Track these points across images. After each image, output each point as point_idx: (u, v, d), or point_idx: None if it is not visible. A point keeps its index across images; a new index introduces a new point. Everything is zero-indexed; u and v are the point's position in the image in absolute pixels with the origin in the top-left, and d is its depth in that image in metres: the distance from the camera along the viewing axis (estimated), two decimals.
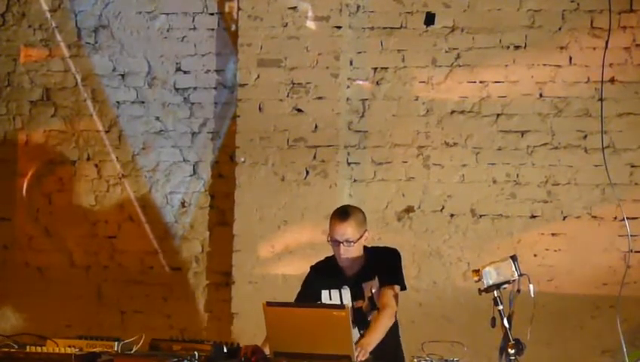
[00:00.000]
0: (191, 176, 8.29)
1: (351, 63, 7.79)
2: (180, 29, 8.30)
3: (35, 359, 5.36)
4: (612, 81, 7.35)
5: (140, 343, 5.61)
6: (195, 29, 8.27)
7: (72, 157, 8.51)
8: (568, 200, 7.44)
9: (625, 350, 6.27)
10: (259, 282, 7.75)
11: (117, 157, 8.42)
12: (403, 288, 5.80)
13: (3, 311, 8.57)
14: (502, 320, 5.12)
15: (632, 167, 7.33)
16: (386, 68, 7.76)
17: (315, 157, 7.74)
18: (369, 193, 7.72)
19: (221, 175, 8.20)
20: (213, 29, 8.24)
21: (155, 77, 8.37)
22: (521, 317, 5.18)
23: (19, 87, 8.64)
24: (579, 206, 7.42)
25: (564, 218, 7.45)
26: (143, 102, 8.39)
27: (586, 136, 7.42)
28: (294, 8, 7.79)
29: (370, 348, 5.48)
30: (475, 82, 7.61)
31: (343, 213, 5.77)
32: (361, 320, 5.72)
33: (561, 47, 7.46)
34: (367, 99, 7.79)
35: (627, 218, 7.02)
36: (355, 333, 5.50)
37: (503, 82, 7.56)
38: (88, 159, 8.48)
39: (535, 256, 7.43)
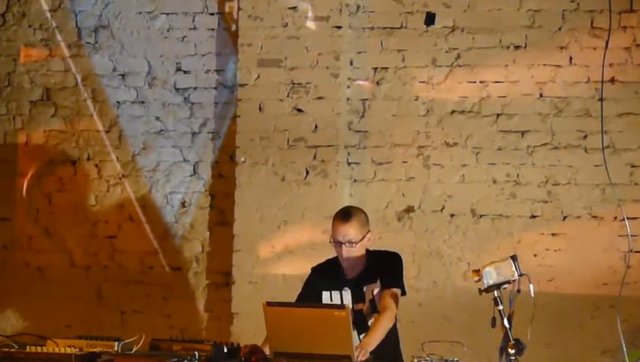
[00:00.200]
0: (191, 176, 8.29)
1: (351, 63, 7.79)
2: (180, 29, 8.30)
3: (35, 359, 5.35)
4: (612, 81, 7.35)
5: (140, 343, 5.60)
6: (195, 29, 8.28)
7: (72, 157, 8.51)
8: (568, 200, 7.44)
9: (625, 350, 6.26)
10: (259, 282, 7.75)
11: (117, 158, 8.42)
12: (403, 293, 5.79)
13: (3, 311, 8.57)
14: (502, 320, 5.12)
15: (632, 167, 7.33)
16: (386, 68, 7.76)
17: (315, 157, 7.74)
18: (369, 193, 7.72)
19: (221, 175, 8.21)
20: (213, 29, 8.25)
21: (155, 77, 8.37)
22: (521, 317, 5.18)
23: (19, 87, 8.64)
24: (579, 206, 7.42)
25: (564, 218, 7.45)
26: (143, 102, 8.40)
27: (586, 136, 7.42)
28: (294, 8, 7.79)
29: (371, 348, 5.47)
30: (475, 82, 7.61)
31: (345, 214, 5.77)
32: (362, 323, 5.71)
33: (561, 47, 7.46)
34: (367, 99, 7.79)
35: (627, 218, 7.02)
36: (355, 336, 5.48)
37: (503, 82, 7.56)
38: (88, 159, 8.48)
39: (535, 256, 7.43)
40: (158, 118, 8.36)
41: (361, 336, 5.65)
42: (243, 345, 5.58)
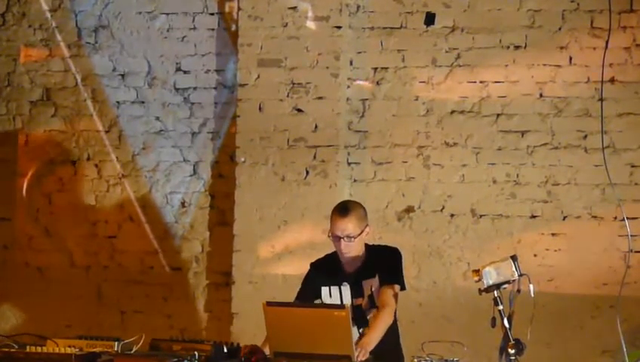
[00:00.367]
0: (191, 176, 8.30)
1: (351, 63, 7.79)
2: (180, 29, 8.30)
3: (35, 359, 5.35)
4: (612, 81, 7.35)
5: (140, 343, 5.60)
6: (195, 29, 8.28)
7: (72, 157, 8.51)
8: (568, 200, 7.44)
9: (625, 350, 6.26)
10: (259, 282, 7.75)
11: (117, 157, 8.42)
12: (403, 288, 5.79)
13: (3, 311, 8.57)
14: (502, 320, 5.12)
15: (632, 167, 7.33)
16: (386, 68, 7.76)
17: (315, 157, 7.74)
18: (369, 193, 7.71)
19: (221, 175, 8.21)
20: (213, 29, 8.25)
21: (155, 77, 8.37)
22: (521, 317, 5.18)
23: (19, 87, 8.64)
24: (579, 206, 7.42)
25: (564, 218, 7.45)
26: (143, 102, 8.40)
27: (586, 136, 7.42)
28: (294, 8, 7.79)
29: (370, 347, 5.48)
30: (475, 82, 7.62)
31: (343, 209, 5.77)
32: (361, 318, 5.72)
33: (561, 47, 7.46)
34: (367, 99, 7.79)
35: (627, 218, 7.02)
36: (355, 331, 5.49)
37: (503, 82, 7.56)
38: (88, 159, 8.48)
39: (535, 256, 7.43)
40: (158, 118, 8.36)
41: (361, 331, 5.65)
42: (243, 345, 5.58)
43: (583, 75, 7.42)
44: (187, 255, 8.29)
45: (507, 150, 7.55)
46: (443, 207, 7.65)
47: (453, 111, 7.66)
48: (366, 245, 5.82)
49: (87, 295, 8.42)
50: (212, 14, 8.24)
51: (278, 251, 7.75)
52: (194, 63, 8.28)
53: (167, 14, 8.34)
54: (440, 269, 7.61)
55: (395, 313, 5.74)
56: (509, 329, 5.10)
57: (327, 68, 7.73)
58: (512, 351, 5.05)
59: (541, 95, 7.50)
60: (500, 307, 5.14)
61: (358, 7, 7.79)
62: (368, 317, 5.74)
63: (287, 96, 7.79)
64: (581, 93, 7.43)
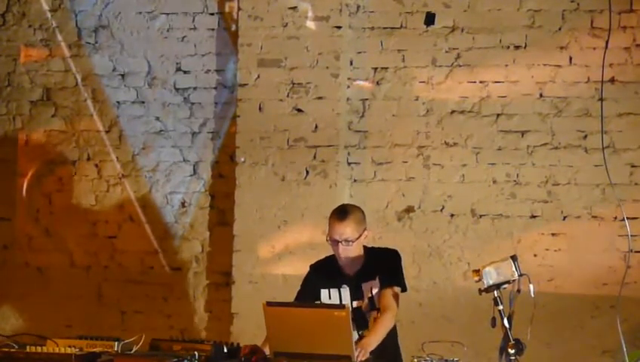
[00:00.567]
0: (191, 176, 8.30)
1: (351, 63, 7.79)
2: (180, 29, 8.30)
3: (35, 359, 5.35)
4: (612, 81, 7.35)
5: (140, 343, 5.60)
6: (195, 29, 8.28)
7: (72, 157, 8.51)
8: (568, 200, 7.44)
9: (625, 350, 6.26)
10: (259, 282, 7.75)
11: (117, 157, 8.42)
12: (403, 289, 5.79)
13: (3, 311, 8.57)
14: (502, 320, 5.12)
15: (632, 167, 7.33)
16: (386, 68, 7.76)
17: (315, 157, 7.74)
18: (369, 193, 7.71)
19: (221, 175, 8.21)
20: (213, 29, 8.25)
21: (155, 77, 8.37)
22: (521, 317, 5.18)
23: (19, 87, 8.64)
24: (579, 206, 7.42)
25: (564, 218, 7.45)
26: (143, 102, 8.40)
27: (586, 136, 7.42)
28: (294, 8, 7.79)
29: (371, 348, 5.48)
30: (475, 82, 7.61)
31: (341, 213, 5.76)
32: (360, 321, 5.72)
33: (561, 47, 7.46)
34: (367, 99, 7.79)
35: (627, 218, 7.02)
36: (354, 335, 5.48)
37: (503, 82, 7.56)
38: (88, 159, 8.48)
39: (535, 256, 7.43)
40: (158, 118, 8.36)
41: (360, 333, 5.65)
42: (243, 345, 5.58)
43: (583, 75, 7.42)
44: (187, 255, 8.29)
45: (507, 150, 7.55)
46: (443, 207, 7.65)
47: (453, 111, 7.66)
48: (365, 247, 5.82)
49: (87, 295, 8.42)
50: (212, 14, 8.24)
51: (278, 251, 7.75)
52: (194, 63, 8.28)
53: (167, 14, 8.34)
54: (440, 269, 7.61)
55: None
56: (509, 329, 5.10)
57: (327, 68, 7.73)
58: (512, 351, 5.05)
59: (541, 95, 7.50)
60: (500, 307, 5.14)
61: (358, 7, 7.79)
62: (368, 320, 5.74)
63: (287, 96, 7.79)
64: (581, 93, 7.43)
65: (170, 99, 8.34)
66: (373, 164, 7.76)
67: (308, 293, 5.82)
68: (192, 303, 8.25)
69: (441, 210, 7.66)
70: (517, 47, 7.53)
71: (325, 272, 5.84)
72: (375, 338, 5.54)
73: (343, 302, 5.73)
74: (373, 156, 7.76)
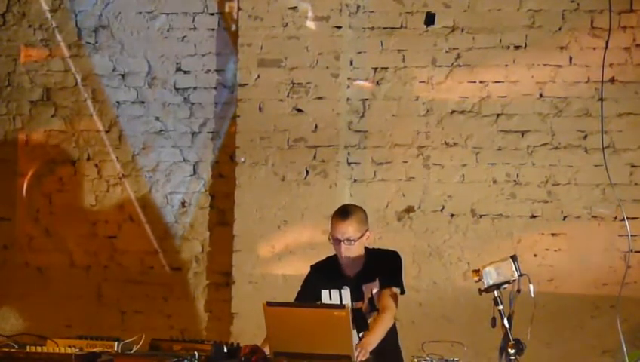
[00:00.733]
0: (191, 176, 8.30)
1: (351, 63, 7.79)
2: (180, 29, 8.30)
3: (35, 359, 5.35)
4: (612, 81, 7.35)
5: (140, 343, 5.60)
6: (195, 29, 8.28)
7: (72, 157, 8.51)
8: (568, 200, 7.44)
9: (625, 350, 6.26)
10: (259, 282, 7.75)
11: (117, 157, 8.42)
12: (402, 292, 5.78)
13: (3, 311, 8.57)
14: (502, 320, 5.12)
15: (632, 167, 7.33)
16: (386, 68, 7.76)
17: (315, 157, 7.74)
18: (369, 193, 7.71)
19: (221, 175, 8.21)
20: (213, 29, 8.25)
21: (155, 77, 8.37)
22: (521, 317, 5.18)
23: (19, 87, 8.64)
24: (579, 206, 7.42)
25: (564, 218, 7.45)
26: (143, 102, 8.40)
27: (586, 136, 7.42)
28: (294, 8, 7.79)
29: (371, 348, 5.47)
30: (475, 82, 7.61)
31: (344, 212, 5.77)
32: (361, 322, 5.72)
33: (561, 47, 7.46)
34: (367, 99, 7.79)
35: (627, 218, 7.02)
36: (354, 335, 5.48)
37: (503, 82, 7.56)
38: (88, 159, 8.48)
39: (535, 256, 7.43)
40: (158, 118, 8.36)
41: (360, 334, 5.65)
42: (243, 345, 5.58)
43: (583, 75, 7.42)
44: (187, 255, 8.29)
45: (507, 150, 7.55)
46: (443, 207, 7.65)
47: (453, 111, 7.66)
48: (366, 248, 5.81)
49: (87, 295, 8.42)
50: (212, 14, 8.24)
51: (278, 251, 7.74)
52: (194, 63, 8.28)
53: (167, 14, 8.34)
54: (440, 269, 7.61)
55: (394, 316, 5.73)
56: (509, 329, 5.10)
57: (327, 68, 7.73)
58: (512, 351, 5.05)
59: (541, 95, 7.50)
60: (500, 307, 5.14)
61: (358, 7, 7.78)
62: (368, 321, 5.74)
63: (287, 96, 7.79)
64: (581, 93, 7.43)
65: (170, 99, 8.34)
66: (373, 164, 7.76)
67: (308, 294, 5.82)
68: (192, 303, 8.25)
69: (441, 210, 7.65)
70: (517, 47, 7.53)
71: (326, 273, 5.84)
72: (374, 337, 5.54)
73: (344, 303, 5.73)
74: (373, 156, 7.76)
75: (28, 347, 5.45)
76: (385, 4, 7.75)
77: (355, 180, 7.77)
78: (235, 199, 7.88)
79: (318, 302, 5.74)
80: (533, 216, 7.50)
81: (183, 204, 8.30)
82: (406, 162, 7.72)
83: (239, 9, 7.96)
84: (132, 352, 5.53)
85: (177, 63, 8.32)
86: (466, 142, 7.62)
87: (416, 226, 7.67)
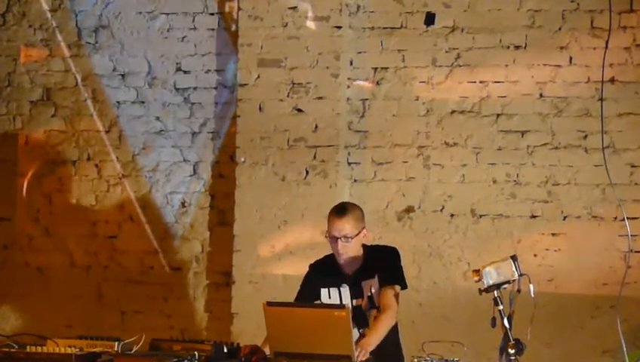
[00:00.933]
0: (191, 176, 8.30)
1: (351, 63, 7.79)
2: (180, 29, 8.30)
3: (35, 359, 5.35)
4: (612, 81, 7.35)
5: (140, 343, 5.60)
6: (195, 29, 8.28)
7: (72, 157, 8.51)
8: (568, 200, 7.44)
9: (625, 350, 6.26)
10: (259, 282, 7.75)
11: (117, 157, 8.42)
12: (404, 287, 5.79)
13: (3, 311, 8.57)
14: (502, 320, 5.12)
15: (632, 167, 7.33)
16: (386, 68, 7.76)
17: (315, 157, 7.74)
18: (369, 193, 7.72)
19: (221, 175, 8.21)
20: (213, 29, 8.25)
21: (155, 77, 8.37)
22: (521, 317, 5.18)
23: (19, 87, 8.64)
24: (579, 206, 7.42)
25: (565, 218, 7.45)
26: (143, 102, 8.40)
27: (586, 136, 7.42)
28: (294, 8, 7.79)
29: (371, 348, 5.47)
30: (475, 82, 7.61)
31: (340, 209, 5.77)
32: (361, 319, 5.72)
33: (562, 47, 7.46)
34: (367, 99, 7.79)
35: (627, 218, 7.02)
36: (355, 332, 5.49)
37: (503, 82, 7.56)
38: (88, 159, 8.48)
39: (535, 256, 7.43)
40: (158, 118, 8.36)
41: (361, 331, 5.65)
42: (243, 345, 5.58)
43: (583, 75, 7.42)
44: (187, 255, 8.29)
45: (507, 150, 7.55)
46: (443, 207, 7.65)
47: (453, 111, 7.66)
48: (364, 246, 5.82)
49: (87, 295, 8.42)
50: (212, 14, 8.24)
51: (278, 251, 7.75)
52: (194, 63, 8.28)
53: (167, 14, 8.34)
54: (440, 269, 7.61)
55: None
56: (509, 329, 5.10)
57: (328, 68, 7.73)
58: (512, 351, 5.05)
59: (541, 95, 7.50)
60: (500, 307, 5.14)
61: (358, 7, 7.78)
62: (368, 318, 5.74)
63: (288, 96, 7.79)
64: (581, 93, 7.43)
65: (171, 99, 8.34)
66: (373, 164, 7.76)
67: (308, 293, 5.83)
68: (192, 303, 8.25)
69: (441, 210, 7.66)
70: (517, 47, 7.53)
71: (325, 271, 5.84)
72: (375, 337, 5.54)
73: (343, 301, 5.73)
74: (374, 156, 7.76)
75: (28, 347, 5.45)
76: (385, 4, 7.75)
77: (355, 180, 7.77)
78: (235, 199, 7.88)
79: (318, 302, 5.75)
80: (534, 216, 7.50)
81: (183, 204, 8.30)
82: (406, 162, 7.72)
83: (239, 9, 7.97)
84: (132, 352, 5.53)
85: (177, 63, 8.32)
86: (466, 142, 7.62)
87: (417, 226, 7.67)
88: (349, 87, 7.78)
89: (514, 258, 5.17)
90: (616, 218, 7.31)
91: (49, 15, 8.57)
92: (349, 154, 7.78)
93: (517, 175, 7.53)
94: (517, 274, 5.14)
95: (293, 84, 7.79)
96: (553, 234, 7.46)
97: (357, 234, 5.72)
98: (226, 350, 5.49)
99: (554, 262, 7.42)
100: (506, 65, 7.55)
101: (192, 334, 7.99)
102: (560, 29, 7.47)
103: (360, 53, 7.79)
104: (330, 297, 5.78)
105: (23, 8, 8.62)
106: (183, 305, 8.26)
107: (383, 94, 7.77)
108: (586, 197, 7.40)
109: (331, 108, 7.73)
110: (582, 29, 7.41)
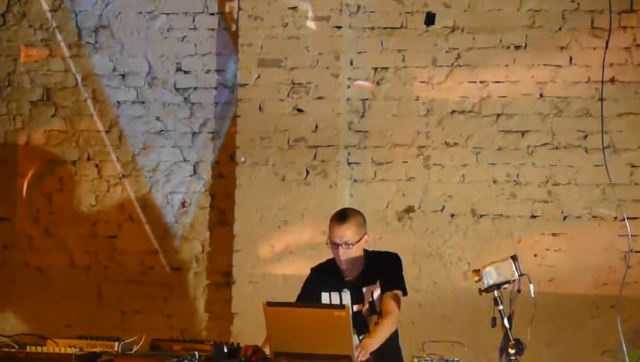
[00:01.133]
0: (191, 176, 8.29)
1: (351, 63, 7.79)
2: (180, 29, 8.30)
3: (35, 359, 5.35)
4: (612, 81, 7.35)
5: (140, 343, 5.60)
6: (195, 29, 8.28)
7: (73, 157, 8.51)
8: (568, 200, 7.44)
9: (625, 350, 6.26)
10: (259, 282, 7.75)
11: (117, 157, 8.42)
12: (404, 294, 5.78)
13: (3, 311, 8.57)
14: (502, 320, 5.12)
15: (632, 167, 7.33)
16: (387, 68, 7.76)
17: (315, 157, 7.74)
18: (369, 193, 7.71)
19: (221, 175, 8.21)
20: (213, 29, 8.25)
21: (155, 77, 8.37)
22: (521, 317, 5.18)
23: (19, 87, 8.64)
24: (579, 206, 7.42)
25: (565, 218, 7.45)
26: (143, 102, 8.40)
27: (586, 136, 7.42)
28: (294, 8, 7.79)
29: (372, 349, 5.46)
30: (475, 82, 7.61)
31: (342, 216, 5.76)
32: (361, 325, 5.71)
33: (562, 47, 7.46)
34: (367, 99, 7.79)
35: (627, 218, 7.02)
36: (355, 339, 5.47)
37: (503, 82, 7.56)
38: (88, 159, 8.48)
39: (535, 256, 7.43)
40: (158, 118, 8.36)
41: (361, 337, 5.65)
42: (244, 345, 5.58)
43: (583, 75, 7.42)
44: (187, 255, 8.29)
45: (507, 150, 7.55)
46: (443, 207, 7.65)
47: (453, 111, 7.66)
48: (365, 251, 5.81)
49: (87, 295, 8.42)
50: (212, 14, 8.24)
51: (278, 251, 7.74)
52: (194, 63, 8.28)
53: (168, 14, 8.34)
54: (440, 269, 7.61)
55: None
56: (509, 329, 5.10)
57: (328, 68, 7.73)
58: (512, 351, 5.06)
59: (541, 95, 7.50)
60: (500, 307, 5.14)
61: (359, 7, 7.78)
62: (369, 324, 5.73)
63: (288, 96, 7.79)
64: (581, 93, 7.43)
65: (171, 99, 8.34)
66: (373, 164, 7.76)
67: (309, 296, 5.82)
68: (192, 303, 8.25)
69: (442, 210, 7.65)
70: (517, 47, 7.53)
71: (326, 275, 5.83)
72: (376, 340, 5.53)
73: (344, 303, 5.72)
74: (374, 156, 7.76)
75: (28, 347, 5.45)
76: (385, 4, 7.75)
77: (355, 180, 7.77)
78: (235, 199, 7.88)
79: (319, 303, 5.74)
80: (534, 216, 7.50)
81: (183, 204, 8.30)
82: (406, 162, 7.72)
83: (239, 9, 7.97)
84: (132, 352, 5.54)
85: (177, 63, 8.32)
86: (467, 142, 7.62)
87: (417, 226, 7.67)
88: (349, 87, 7.78)
89: (514, 258, 5.18)
90: (616, 218, 7.31)
91: (49, 15, 8.57)
92: (349, 154, 7.78)
93: (517, 175, 7.53)
94: (517, 274, 5.14)
95: (294, 84, 7.79)
96: (553, 234, 7.46)
97: (358, 241, 5.71)
98: (226, 350, 5.49)
99: (554, 262, 7.42)
100: (506, 65, 7.55)
101: (192, 334, 7.99)
102: (560, 29, 7.47)
103: (360, 53, 7.79)
104: (330, 301, 5.77)
105: (23, 8, 8.62)
106: (183, 305, 8.26)
107: (383, 94, 7.77)
108: (586, 197, 7.40)
109: (331, 108, 7.73)
110: (582, 29, 7.41)
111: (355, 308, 5.73)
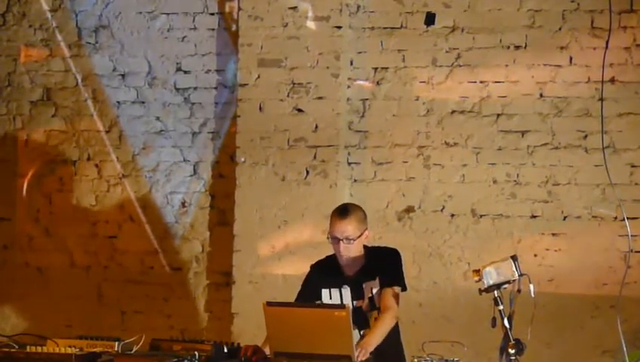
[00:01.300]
0: (191, 176, 8.29)
1: (351, 63, 7.79)
2: (180, 29, 8.30)
3: (35, 359, 5.35)
4: (612, 81, 7.35)
5: (141, 343, 5.60)
6: (195, 28, 8.28)
7: (73, 157, 8.51)
8: (568, 200, 7.44)
9: (625, 350, 6.26)
10: (259, 282, 7.75)
11: (117, 157, 8.42)
12: (403, 289, 5.79)
13: (3, 311, 8.57)
14: (502, 320, 5.12)
15: (632, 167, 7.33)
16: (387, 68, 7.76)
17: (315, 157, 7.74)
18: (369, 193, 7.71)
19: (221, 175, 8.21)
20: (213, 29, 8.25)
21: (155, 77, 8.37)
22: (521, 317, 5.18)
23: (19, 87, 8.64)
24: (579, 206, 7.42)
25: (565, 218, 7.45)
26: (143, 102, 8.40)
27: (586, 136, 7.42)
28: (294, 8, 7.79)
29: (371, 348, 5.47)
30: (475, 82, 7.61)
31: (343, 211, 5.77)
32: (361, 320, 5.72)
33: (562, 47, 7.46)
34: (367, 99, 7.79)
35: (627, 218, 7.02)
36: (355, 334, 5.49)
37: (503, 82, 7.56)
38: (89, 159, 8.48)
39: (535, 256, 7.43)
40: (158, 118, 8.36)
41: (362, 332, 5.65)
42: (244, 345, 5.58)
43: (583, 75, 7.42)
44: (187, 255, 8.29)
45: (507, 150, 7.55)
46: (443, 207, 7.65)
47: (453, 111, 7.66)
48: (365, 247, 5.82)
49: (87, 295, 8.42)
50: (212, 14, 8.24)
51: (278, 251, 7.75)
52: (194, 63, 8.28)
53: (168, 14, 8.34)
54: (440, 269, 7.61)
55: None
56: (510, 329, 5.10)
57: (328, 68, 7.73)
58: (512, 351, 5.06)
59: (541, 95, 7.50)
60: (501, 307, 5.14)
61: (359, 7, 7.78)
62: (369, 319, 5.74)
63: (288, 96, 7.79)
64: (581, 93, 7.43)
65: (171, 99, 8.34)
66: (373, 164, 7.76)
67: (309, 293, 5.83)
68: (192, 303, 8.25)
69: (442, 210, 7.65)
70: (517, 47, 7.53)
71: (326, 272, 5.84)
72: (375, 338, 5.54)
73: (344, 302, 5.73)
74: (374, 156, 7.76)
75: (28, 347, 5.45)
76: (385, 4, 7.75)
77: (355, 180, 7.77)
78: (235, 199, 7.89)
79: (319, 302, 5.75)
80: (534, 216, 7.50)
81: (183, 204, 8.30)
82: (406, 162, 7.72)
83: (239, 9, 7.97)
84: (132, 352, 5.53)
85: (177, 63, 8.32)
86: (466, 142, 7.62)
87: (417, 226, 7.67)
88: (349, 87, 7.78)
89: (514, 258, 5.18)
90: (616, 218, 7.31)
91: (49, 15, 8.57)
92: (349, 154, 7.78)
93: (517, 175, 7.53)
94: (517, 274, 5.14)
95: (294, 84, 7.79)
96: (553, 234, 7.46)
97: (359, 236, 5.72)
98: (226, 350, 5.49)
99: (554, 262, 7.42)
100: (506, 65, 7.55)
101: (192, 334, 7.99)
102: (560, 29, 7.47)
103: (360, 53, 7.79)
104: (331, 298, 5.79)
105: (23, 8, 8.62)
106: (183, 305, 8.26)
107: (383, 94, 7.77)
108: (586, 197, 7.40)
109: (331, 108, 7.73)
110: (582, 29, 7.41)
111: (355, 303, 5.74)
